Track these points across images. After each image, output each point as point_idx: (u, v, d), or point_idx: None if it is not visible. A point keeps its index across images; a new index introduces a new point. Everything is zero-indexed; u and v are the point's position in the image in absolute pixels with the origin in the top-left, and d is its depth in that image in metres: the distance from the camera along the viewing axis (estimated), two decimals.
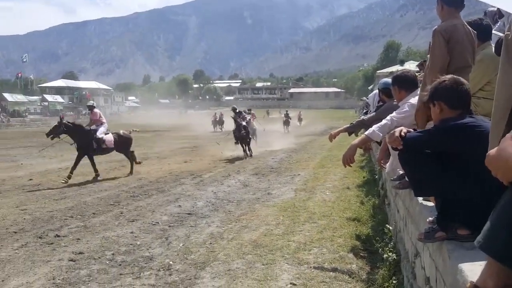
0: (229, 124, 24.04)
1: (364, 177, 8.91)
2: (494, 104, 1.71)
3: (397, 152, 2.40)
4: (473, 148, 1.76)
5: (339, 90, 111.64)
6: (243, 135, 14.91)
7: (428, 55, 3.62)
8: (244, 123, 15.26)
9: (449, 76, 2.12)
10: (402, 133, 2.09)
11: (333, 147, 15.39)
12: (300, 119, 40.52)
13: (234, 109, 16.30)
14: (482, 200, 1.78)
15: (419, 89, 3.41)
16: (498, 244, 1.10)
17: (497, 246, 1.11)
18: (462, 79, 2.10)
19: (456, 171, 1.93)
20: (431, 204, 2.48)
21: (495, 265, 1.13)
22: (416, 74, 4.41)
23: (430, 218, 2.11)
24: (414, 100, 3.31)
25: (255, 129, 17.97)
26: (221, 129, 32.75)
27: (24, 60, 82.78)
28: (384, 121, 3.31)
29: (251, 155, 14.99)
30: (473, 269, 1.42)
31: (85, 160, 10.16)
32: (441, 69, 2.79)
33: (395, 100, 4.23)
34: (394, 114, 3.33)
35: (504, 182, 1.08)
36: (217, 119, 34.79)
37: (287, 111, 35.33)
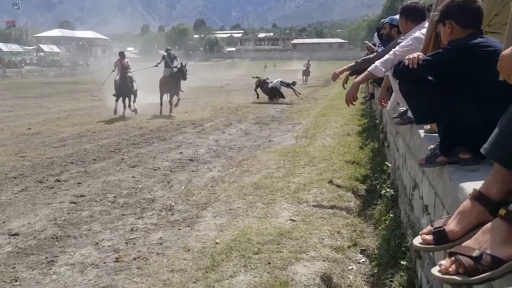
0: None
1: (364, 124, 8.88)
2: (510, 20, 1.61)
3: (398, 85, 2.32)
4: (483, 69, 1.69)
5: (343, 41, 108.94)
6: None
7: None
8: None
9: None
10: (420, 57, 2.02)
11: (334, 97, 15.25)
12: (307, 73, 28.70)
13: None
14: (486, 123, 1.74)
15: (426, 22, 3.27)
16: (505, 149, 1.10)
17: (504, 152, 1.11)
18: None
19: (462, 94, 1.88)
20: (432, 135, 2.45)
21: (501, 171, 1.13)
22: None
23: (432, 146, 2.08)
24: (419, 33, 3.18)
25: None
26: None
27: (16, 7, 79.49)
28: (386, 56, 3.20)
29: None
30: (474, 187, 1.40)
31: (85, 109, 9.97)
32: None
33: (401, 37, 4.09)
34: (397, 48, 3.21)
35: None
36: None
37: (308, 60, 29.95)
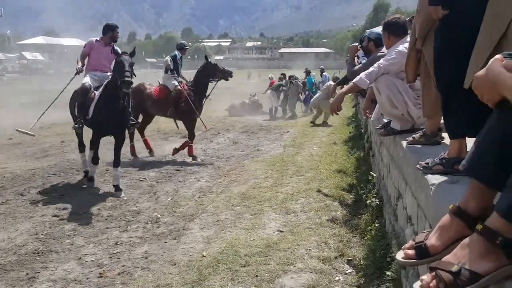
0: None
1: (350, 133, 8.96)
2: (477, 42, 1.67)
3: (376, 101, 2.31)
4: None
5: (329, 50, 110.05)
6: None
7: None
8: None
9: None
10: None
11: None
12: None
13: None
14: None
15: (408, 36, 3.33)
16: (482, 166, 1.13)
17: (481, 169, 1.13)
18: None
19: None
20: (414, 146, 2.48)
21: (478, 187, 1.16)
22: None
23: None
24: (402, 47, 3.24)
25: None
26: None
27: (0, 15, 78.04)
28: (371, 68, 3.25)
29: None
30: (455, 200, 1.42)
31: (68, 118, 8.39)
32: None
33: (381, 51, 4.17)
34: (381, 61, 3.27)
35: (490, 104, 1.06)
36: None
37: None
